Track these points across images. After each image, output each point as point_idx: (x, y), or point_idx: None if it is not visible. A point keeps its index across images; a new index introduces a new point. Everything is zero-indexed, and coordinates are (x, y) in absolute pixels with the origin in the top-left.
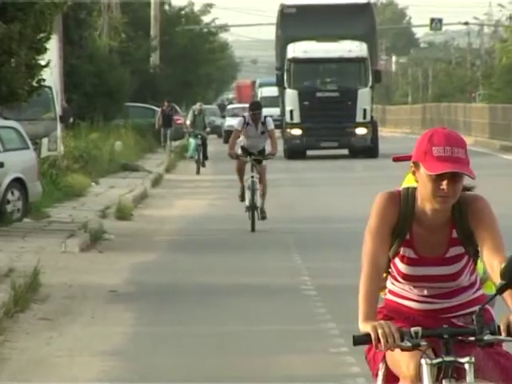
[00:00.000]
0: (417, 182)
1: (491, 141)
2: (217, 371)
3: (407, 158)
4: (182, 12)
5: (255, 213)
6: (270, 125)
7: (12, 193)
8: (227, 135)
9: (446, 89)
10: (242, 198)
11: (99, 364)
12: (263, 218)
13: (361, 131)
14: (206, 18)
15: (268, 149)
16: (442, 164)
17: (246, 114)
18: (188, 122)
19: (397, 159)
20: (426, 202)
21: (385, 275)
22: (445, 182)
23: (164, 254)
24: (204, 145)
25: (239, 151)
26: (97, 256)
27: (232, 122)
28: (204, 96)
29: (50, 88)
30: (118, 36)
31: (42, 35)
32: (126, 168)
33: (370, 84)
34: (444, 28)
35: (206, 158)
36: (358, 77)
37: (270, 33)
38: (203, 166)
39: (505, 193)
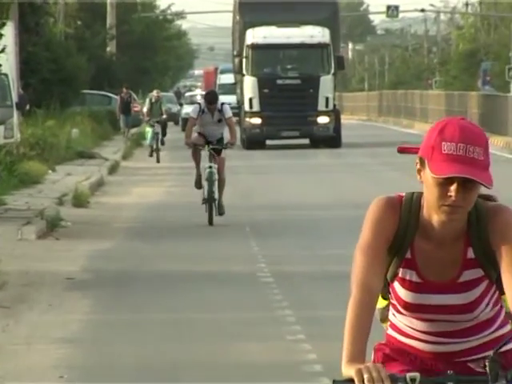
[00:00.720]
0: (422, 183)
1: None
2: (174, 358)
3: (415, 151)
4: None
5: (213, 206)
6: (228, 112)
7: None
8: (184, 123)
9: (402, 76)
10: (198, 186)
11: (56, 351)
12: (221, 213)
13: (323, 120)
14: (162, 5)
15: (227, 137)
16: (452, 165)
17: (202, 101)
18: (145, 110)
19: (402, 150)
20: (431, 210)
21: (386, 303)
22: (453, 188)
23: (121, 242)
24: (164, 126)
25: (196, 139)
26: (53, 243)
27: (189, 109)
28: (161, 83)
29: (5, 75)
30: (74, 23)
31: None
32: (82, 155)
33: (332, 71)
34: (401, 15)
35: (162, 143)
36: (321, 63)
37: (226, 20)
38: (162, 143)
39: None
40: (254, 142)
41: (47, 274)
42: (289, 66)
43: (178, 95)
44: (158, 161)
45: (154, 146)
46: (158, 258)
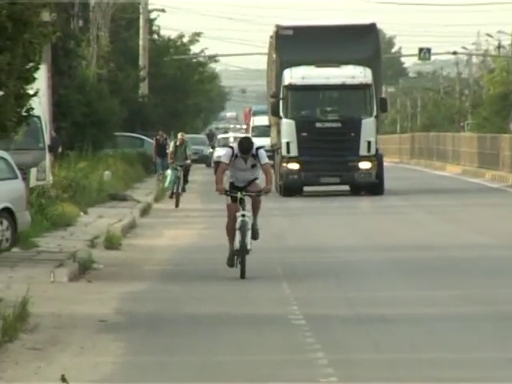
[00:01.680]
0: None
1: (479, 170)
2: None
3: None
4: (171, 42)
5: (245, 259)
6: (264, 158)
7: (1, 222)
8: (217, 166)
9: (434, 118)
10: (231, 263)
11: None
12: (255, 238)
13: (365, 165)
14: (194, 48)
15: (260, 183)
16: None
17: (235, 144)
18: (169, 151)
19: None
20: None
21: None
22: None
23: (153, 284)
24: (186, 172)
25: (227, 187)
26: (86, 286)
27: (221, 152)
28: (192, 125)
29: (38, 117)
30: (106, 65)
31: (30, 65)
32: (114, 197)
33: (374, 113)
34: (432, 57)
35: (184, 190)
36: (362, 105)
37: (258, 62)
38: (183, 190)
39: (496, 223)
40: (291, 188)
41: (79, 316)
42: (328, 109)
43: (210, 137)
44: (176, 205)
45: (175, 190)
46: (189, 300)
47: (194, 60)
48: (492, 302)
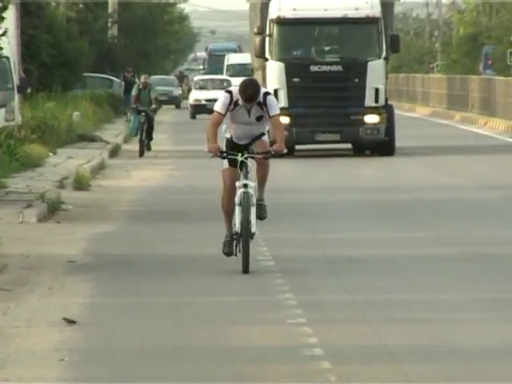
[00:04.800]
0: None
1: (449, 111)
2: (174, 341)
3: None
4: None
5: (249, 244)
6: (274, 107)
7: None
8: (194, 110)
9: (404, 59)
10: (229, 251)
11: (57, 334)
12: (262, 217)
13: (372, 119)
14: None
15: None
16: None
17: (234, 89)
18: (133, 94)
19: None
20: None
21: None
22: None
23: (122, 225)
24: (150, 124)
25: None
26: (54, 226)
27: (199, 95)
28: (162, 67)
29: (7, 58)
30: (76, 6)
31: None
32: (83, 138)
33: (383, 54)
34: None
35: (150, 138)
36: (369, 44)
37: (228, 3)
38: (148, 149)
39: (466, 165)
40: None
41: (48, 257)
42: (326, 48)
43: (181, 79)
44: (141, 154)
45: (138, 137)
46: (158, 241)
47: (163, 0)
48: (463, 243)
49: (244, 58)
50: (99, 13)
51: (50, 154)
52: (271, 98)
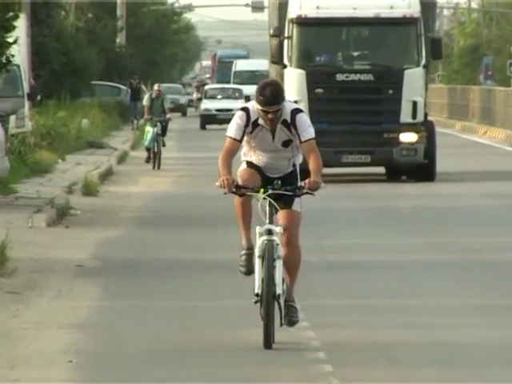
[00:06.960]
0: None
1: (449, 120)
2: (180, 343)
3: None
4: None
5: (273, 309)
6: (307, 130)
7: None
8: (204, 120)
9: None
10: (248, 269)
11: (65, 336)
12: (291, 322)
13: (408, 138)
14: None
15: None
16: None
17: (250, 104)
18: (144, 104)
19: None
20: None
21: None
22: None
23: (129, 230)
24: (164, 130)
25: (245, 178)
26: (63, 231)
27: (209, 104)
28: (169, 75)
29: (17, 66)
30: (84, 16)
31: (10, 14)
32: (92, 145)
33: (423, 61)
34: None
35: (163, 144)
36: (406, 49)
37: (233, 13)
38: (163, 145)
39: (468, 172)
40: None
41: (57, 261)
42: (355, 54)
43: (198, 87)
44: (158, 167)
45: (156, 150)
46: (165, 246)
47: (170, 10)
48: (465, 250)
49: (254, 64)
50: (107, 22)
51: (59, 160)
52: (303, 117)
